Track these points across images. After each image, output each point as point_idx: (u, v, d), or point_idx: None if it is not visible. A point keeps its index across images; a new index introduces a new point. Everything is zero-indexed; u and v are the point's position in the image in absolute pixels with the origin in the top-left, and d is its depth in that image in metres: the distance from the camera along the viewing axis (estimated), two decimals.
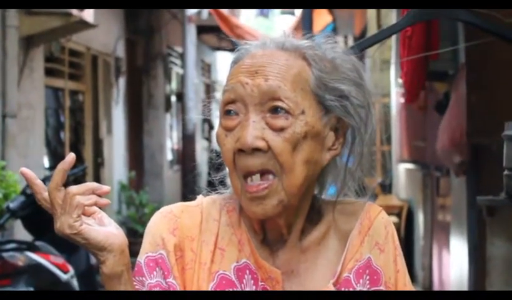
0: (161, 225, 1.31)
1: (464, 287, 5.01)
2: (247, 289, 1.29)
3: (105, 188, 1.23)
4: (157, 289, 1.28)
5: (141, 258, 1.30)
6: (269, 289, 1.29)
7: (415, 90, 5.31)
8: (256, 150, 1.23)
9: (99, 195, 1.23)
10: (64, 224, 1.19)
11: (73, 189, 1.20)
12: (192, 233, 1.31)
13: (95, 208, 1.24)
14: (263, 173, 1.24)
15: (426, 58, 4.73)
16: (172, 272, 1.28)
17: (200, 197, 1.36)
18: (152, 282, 1.28)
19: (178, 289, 1.28)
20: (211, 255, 1.30)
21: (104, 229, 1.22)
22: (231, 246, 1.31)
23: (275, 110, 1.24)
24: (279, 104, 1.24)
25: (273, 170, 1.24)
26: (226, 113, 1.27)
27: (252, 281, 1.29)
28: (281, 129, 1.24)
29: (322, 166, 1.29)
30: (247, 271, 1.29)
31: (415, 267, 7.84)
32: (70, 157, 1.21)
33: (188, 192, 1.45)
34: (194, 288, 1.28)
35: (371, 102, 1.30)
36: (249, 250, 1.30)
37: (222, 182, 1.37)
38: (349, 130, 1.31)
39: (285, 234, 1.30)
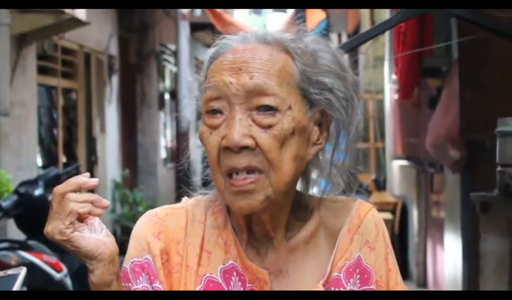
0: (146, 229, 1.29)
1: (458, 283, 5.02)
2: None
3: (105, 202, 1.21)
4: None
5: (127, 264, 1.28)
6: (257, 290, 1.27)
7: (410, 86, 5.30)
8: (243, 148, 1.20)
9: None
10: (55, 229, 1.17)
11: (72, 196, 1.18)
12: (178, 236, 1.29)
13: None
14: (249, 170, 1.21)
15: (420, 54, 4.72)
16: (158, 277, 1.26)
17: (184, 199, 1.34)
18: (138, 287, 1.26)
19: None
20: (197, 258, 1.28)
21: (95, 238, 1.20)
22: (217, 248, 1.28)
23: (261, 107, 1.21)
24: (266, 101, 1.21)
25: (260, 167, 1.21)
26: (209, 111, 1.24)
27: (240, 283, 1.27)
28: (269, 126, 1.21)
29: (307, 161, 1.27)
30: (234, 273, 1.27)
31: (409, 264, 7.84)
32: (94, 181, 1.20)
33: (180, 190, 1.43)
34: None
35: (355, 93, 1.27)
36: (235, 251, 1.28)
37: (205, 184, 1.34)
38: (333, 123, 1.28)
39: (270, 230, 1.27)
